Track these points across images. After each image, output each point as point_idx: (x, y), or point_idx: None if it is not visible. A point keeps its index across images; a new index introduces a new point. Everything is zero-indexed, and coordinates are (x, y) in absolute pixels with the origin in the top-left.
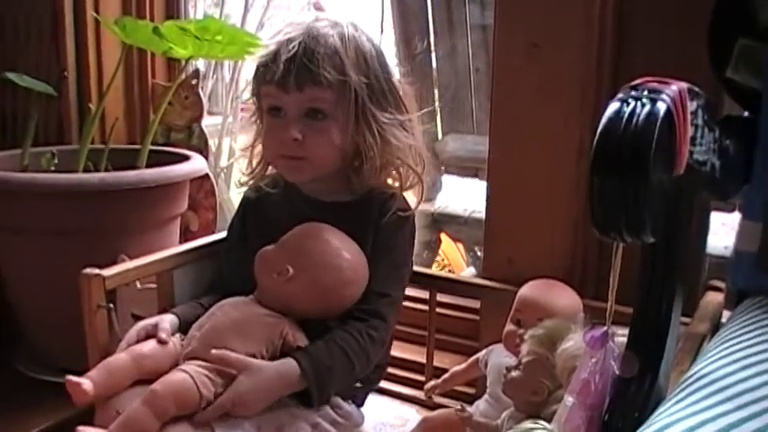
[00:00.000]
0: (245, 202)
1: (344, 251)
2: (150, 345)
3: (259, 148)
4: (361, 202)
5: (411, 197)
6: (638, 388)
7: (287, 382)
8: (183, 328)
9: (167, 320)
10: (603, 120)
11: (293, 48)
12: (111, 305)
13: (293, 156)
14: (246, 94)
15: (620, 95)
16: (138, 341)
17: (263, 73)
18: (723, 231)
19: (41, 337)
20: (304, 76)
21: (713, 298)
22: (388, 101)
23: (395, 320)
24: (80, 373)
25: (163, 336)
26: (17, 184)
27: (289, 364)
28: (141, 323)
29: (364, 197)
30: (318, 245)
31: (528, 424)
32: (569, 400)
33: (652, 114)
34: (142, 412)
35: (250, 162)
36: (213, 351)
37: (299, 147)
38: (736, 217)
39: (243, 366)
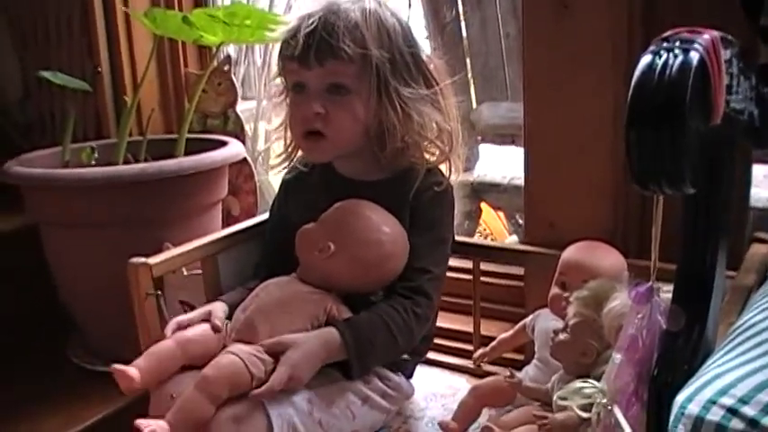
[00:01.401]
0: (284, 185)
1: (384, 225)
2: (196, 330)
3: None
4: (396, 179)
5: (446, 170)
6: (685, 341)
7: (330, 348)
8: (232, 314)
9: (219, 308)
10: (637, 73)
11: (313, 22)
12: (160, 292)
13: (314, 131)
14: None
15: (652, 48)
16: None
17: (285, 49)
18: (766, 183)
19: (93, 328)
20: (324, 51)
21: (758, 250)
22: (412, 76)
23: (438, 297)
24: (131, 362)
25: (217, 323)
26: (60, 181)
27: (330, 333)
28: (195, 313)
29: (398, 175)
30: (358, 221)
31: (578, 383)
32: (617, 357)
33: (685, 64)
34: (196, 398)
35: (285, 142)
36: (263, 342)
37: (322, 122)
38: None
39: (288, 344)
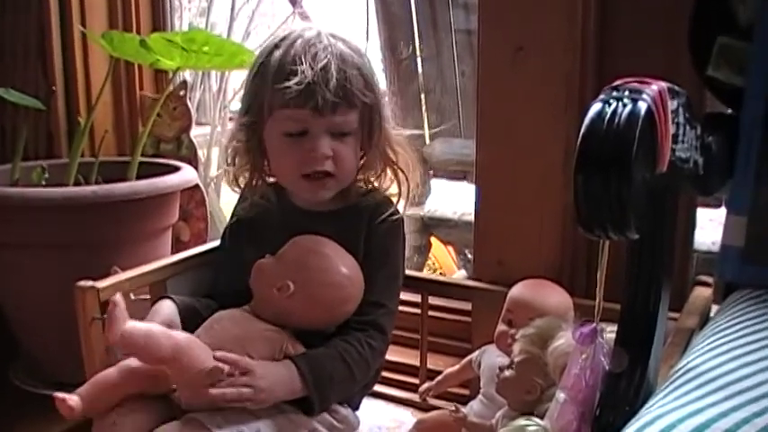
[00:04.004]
0: (236, 214)
1: (343, 266)
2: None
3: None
4: (352, 209)
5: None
6: (628, 382)
7: (293, 380)
8: (183, 315)
9: (166, 307)
10: (586, 121)
11: (326, 71)
12: (106, 316)
13: (322, 172)
14: (235, 105)
15: (601, 96)
16: None
17: (288, 97)
18: (710, 227)
19: (37, 351)
20: (341, 100)
21: (701, 293)
22: (388, 113)
23: (392, 331)
24: (76, 386)
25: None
26: (8, 199)
27: (289, 365)
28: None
29: (354, 204)
30: (319, 261)
31: (521, 421)
32: (561, 396)
33: (633, 114)
34: None
35: (250, 182)
36: (217, 354)
37: (330, 163)
38: (722, 213)
39: (250, 365)
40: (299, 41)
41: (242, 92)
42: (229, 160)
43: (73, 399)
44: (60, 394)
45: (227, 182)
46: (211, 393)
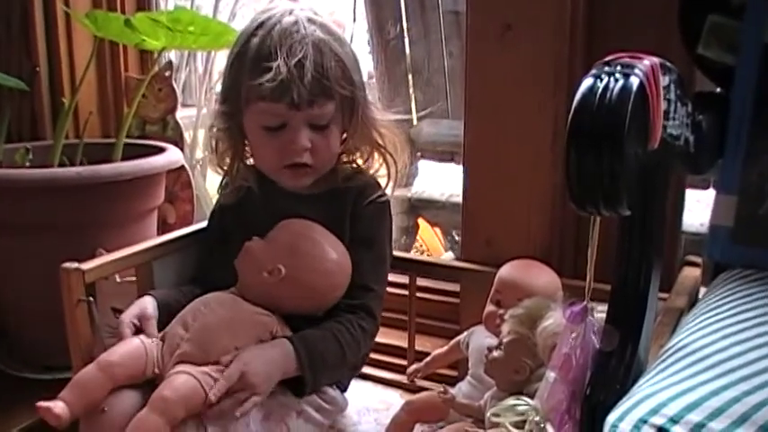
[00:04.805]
0: (221, 198)
1: (333, 252)
2: (118, 352)
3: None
4: (337, 191)
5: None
6: (618, 361)
7: (288, 360)
8: (163, 311)
9: (150, 306)
10: (577, 96)
11: (302, 65)
12: (92, 298)
13: (301, 164)
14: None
15: (593, 71)
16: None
17: (263, 91)
18: (698, 208)
19: (22, 334)
20: (317, 93)
21: (690, 273)
22: (370, 97)
23: (380, 314)
24: (61, 369)
25: (152, 330)
26: None
27: (284, 343)
28: (126, 317)
29: (340, 187)
30: (311, 246)
31: (511, 400)
32: (551, 375)
33: (625, 89)
34: (153, 421)
35: (231, 167)
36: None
37: (309, 154)
38: (710, 194)
39: (239, 368)
40: (276, 30)
41: (222, 75)
42: (212, 146)
43: (58, 405)
44: (44, 403)
45: (212, 166)
46: (214, 413)
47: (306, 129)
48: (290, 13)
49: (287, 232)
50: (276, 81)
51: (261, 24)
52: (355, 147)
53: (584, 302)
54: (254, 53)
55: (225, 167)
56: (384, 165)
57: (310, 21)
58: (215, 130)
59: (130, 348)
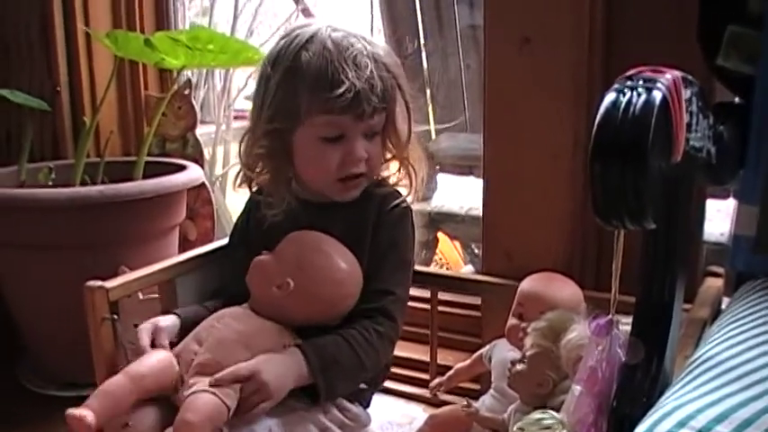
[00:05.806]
0: (249, 204)
1: (343, 263)
2: (147, 363)
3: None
4: (361, 200)
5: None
6: (644, 373)
7: (299, 366)
8: (188, 327)
9: (163, 318)
10: (601, 110)
11: (368, 78)
12: (116, 316)
13: (358, 174)
14: (240, 104)
15: (615, 86)
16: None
17: (333, 104)
18: (718, 218)
19: (46, 352)
20: (380, 104)
21: (712, 284)
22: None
23: (402, 319)
24: (84, 386)
25: (164, 342)
26: (16, 201)
27: (294, 351)
28: (143, 329)
29: (363, 195)
30: (318, 259)
31: (537, 414)
32: (577, 388)
33: (648, 103)
34: None
35: (275, 187)
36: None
37: (365, 164)
38: (730, 203)
39: (250, 368)
40: (330, 45)
41: (258, 94)
42: (251, 166)
43: (88, 416)
44: (75, 411)
45: (237, 183)
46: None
47: (362, 139)
48: (328, 28)
49: (294, 245)
50: (351, 93)
51: (308, 39)
52: (390, 156)
53: (610, 315)
54: (315, 68)
55: (260, 184)
56: (407, 177)
57: (362, 36)
58: (257, 148)
59: (159, 358)
